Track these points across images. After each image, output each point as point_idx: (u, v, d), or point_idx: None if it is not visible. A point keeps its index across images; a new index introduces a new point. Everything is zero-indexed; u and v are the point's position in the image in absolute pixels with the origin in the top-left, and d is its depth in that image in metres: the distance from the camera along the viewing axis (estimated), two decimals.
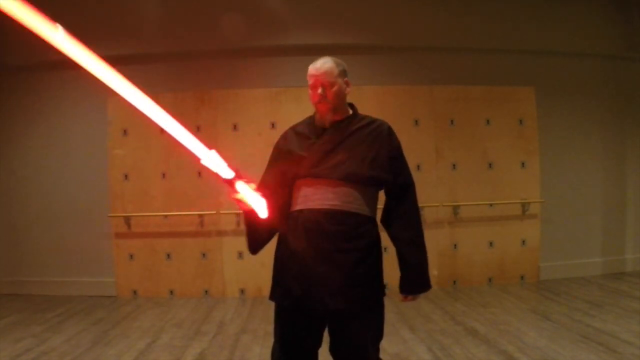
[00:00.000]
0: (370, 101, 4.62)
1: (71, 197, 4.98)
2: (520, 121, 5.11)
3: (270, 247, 1.87)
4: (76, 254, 4.97)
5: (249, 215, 1.69)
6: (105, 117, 4.92)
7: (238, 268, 4.88)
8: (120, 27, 4.79)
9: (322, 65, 1.75)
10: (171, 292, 4.92)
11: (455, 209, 5.00)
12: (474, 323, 3.70)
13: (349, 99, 1.85)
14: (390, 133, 1.82)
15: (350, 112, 1.84)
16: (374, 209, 1.80)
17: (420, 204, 1.86)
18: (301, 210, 1.73)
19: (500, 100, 5.09)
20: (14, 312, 4.33)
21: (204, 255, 4.92)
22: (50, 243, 5.01)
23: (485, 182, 5.04)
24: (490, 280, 5.04)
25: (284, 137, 1.89)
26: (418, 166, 4.91)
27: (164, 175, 4.91)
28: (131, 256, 4.93)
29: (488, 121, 5.09)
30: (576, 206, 5.21)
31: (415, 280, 1.79)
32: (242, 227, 4.93)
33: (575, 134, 5.25)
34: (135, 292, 4.93)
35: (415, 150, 4.84)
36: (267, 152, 1.93)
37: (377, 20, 4.89)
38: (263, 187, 1.71)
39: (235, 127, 4.93)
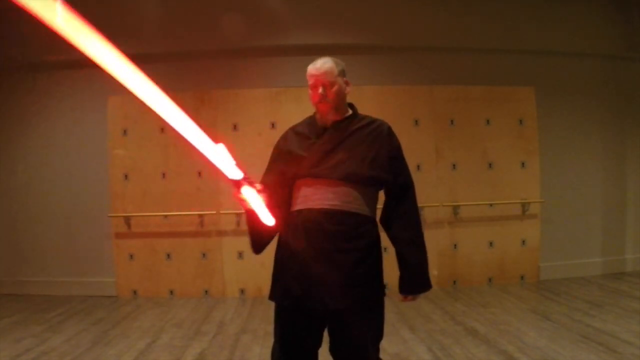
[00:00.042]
0: (370, 101, 4.61)
1: (71, 197, 4.98)
2: (520, 121, 5.11)
3: (270, 247, 1.87)
4: (76, 254, 4.97)
5: (252, 215, 1.68)
6: (105, 117, 4.93)
7: (238, 268, 4.88)
8: (120, 27, 4.78)
9: (322, 65, 1.75)
10: (171, 292, 4.92)
11: (455, 209, 5.00)
12: (474, 323, 3.70)
13: (349, 99, 1.85)
14: (390, 133, 1.82)
15: (350, 112, 1.84)
16: (373, 209, 1.80)
17: (420, 204, 1.87)
18: (301, 210, 1.74)
19: (500, 100, 5.09)
20: (14, 312, 4.33)
21: (204, 255, 4.92)
22: (50, 243, 5.01)
23: (485, 182, 5.04)
24: (490, 280, 5.04)
25: (284, 137, 1.89)
26: (418, 166, 4.91)
27: (164, 175, 4.91)
28: (131, 256, 4.93)
29: (488, 121, 5.09)
30: (576, 206, 5.21)
31: (415, 280, 1.79)
32: (243, 227, 4.92)
33: (575, 134, 5.25)
34: (135, 292, 4.93)
35: (415, 151, 4.84)
36: (267, 152, 1.93)
37: (377, 20, 4.89)
38: (263, 188, 1.71)
39: (235, 127, 4.93)
